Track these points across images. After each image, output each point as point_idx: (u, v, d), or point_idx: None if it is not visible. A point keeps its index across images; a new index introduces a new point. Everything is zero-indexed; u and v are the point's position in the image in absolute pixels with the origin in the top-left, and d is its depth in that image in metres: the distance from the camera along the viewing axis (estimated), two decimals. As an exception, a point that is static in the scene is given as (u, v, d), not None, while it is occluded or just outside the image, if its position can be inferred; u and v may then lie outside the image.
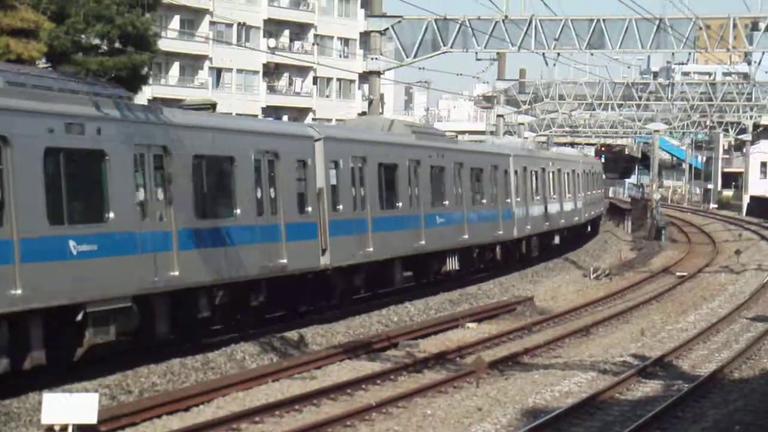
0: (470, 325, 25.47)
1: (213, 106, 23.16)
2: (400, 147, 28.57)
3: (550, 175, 42.56)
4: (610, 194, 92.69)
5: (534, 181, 39.89)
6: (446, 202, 30.95)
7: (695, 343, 23.15)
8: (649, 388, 18.59)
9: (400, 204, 28.03)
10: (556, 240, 44.27)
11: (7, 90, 16.14)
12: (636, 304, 29.61)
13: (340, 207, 24.85)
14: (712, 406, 17.20)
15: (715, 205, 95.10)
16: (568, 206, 45.63)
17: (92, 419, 14.10)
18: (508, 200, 36.41)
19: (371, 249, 25.97)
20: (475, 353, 21.31)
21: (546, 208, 41.33)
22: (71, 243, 16.71)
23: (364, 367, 19.86)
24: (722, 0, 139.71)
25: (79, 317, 17.02)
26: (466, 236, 32.04)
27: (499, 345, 23.01)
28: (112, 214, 17.65)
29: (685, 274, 37.44)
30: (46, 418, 14.12)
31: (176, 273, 18.82)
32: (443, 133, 36.11)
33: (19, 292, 15.64)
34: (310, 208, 23.49)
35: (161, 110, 19.58)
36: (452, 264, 31.42)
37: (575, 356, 21.56)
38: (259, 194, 21.66)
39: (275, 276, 22.14)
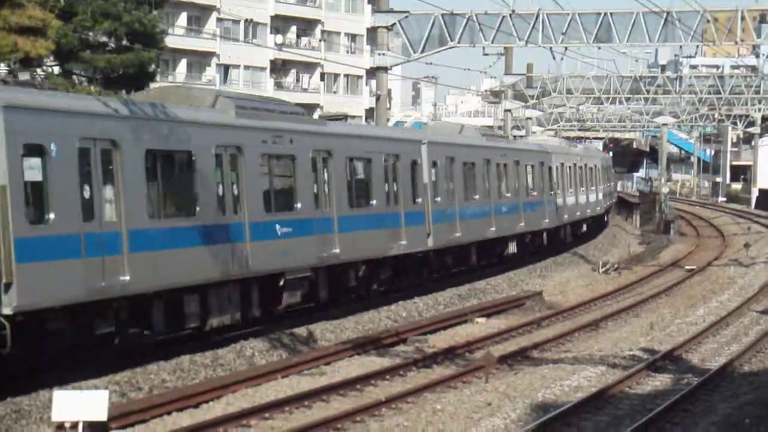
0: (479, 320, 25.47)
1: (345, 117, 29.67)
2: (475, 148, 33.44)
3: (579, 169, 46.78)
4: (619, 188, 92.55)
5: (569, 175, 44.40)
6: (508, 194, 35.44)
7: (705, 337, 23.12)
8: (659, 382, 18.57)
9: (477, 196, 32.74)
10: (584, 228, 48.78)
11: (239, 113, 21.41)
12: (645, 298, 29.57)
13: (438, 199, 29.61)
14: (722, 400, 17.18)
15: (724, 199, 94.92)
16: (592, 197, 49.94)
17: (102, 416, 14.13)
18: (552, 192, 40.82)
19: (459, 234, 30.85)
20: (484, 348, 21.31)
21: (577, 199, 45.87)
22: (277, 226, 22.02)
23: (373, 362, 19.86)
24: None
25: (281, 282, 22.09)
26: (522, 224, 36.67)
27: (508, 340, 23.00)
28: (299, 204, 23.07)
29: (694, 267, 37.39)
30: (57, 415, 14.15)
31: (337, 251, 24.09)
32: (505, 135, 41.22)
33: (250, 262, 20.65)
34: (420, 200, 28.43)
35: (326, 123, 25.91)
36: (512, 248, 36.10)
37: (584, 351, 21.55)
38: (387, 188, 26.88)
39: (398, 254, 27.25)
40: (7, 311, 15.49)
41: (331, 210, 24.02)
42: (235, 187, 20.74)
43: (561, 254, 40.40)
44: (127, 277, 17.50)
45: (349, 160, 25.09)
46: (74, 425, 14.13)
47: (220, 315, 20.29)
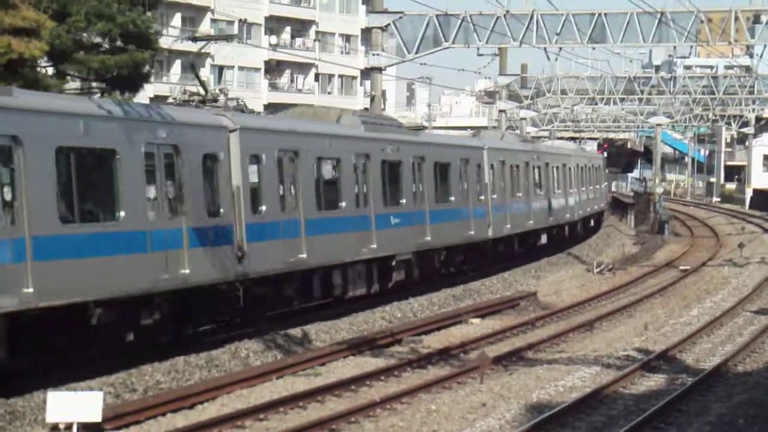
0: (474, 320, 25.48)
1: (423, 128, 32.98)
2: (517, 152, 37.98)
3: (589, 170, 51.60)
4: (613, 188, 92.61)
5: (582, 175, 49.72)
6: (541, 192, 40.36)
7: (699, 337, 23.15)
8: (653, 382, 18.59)
9: (520, 194, 37.19)
10: (591, 222, 53.56)
11: (366, 127, 26.51)
12: (639, 298, 29.60)
13: (495, 196, 34.45)
14: (717, 400, 17.21)
15: (718, 199, 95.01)
16: (597, 193, 54.71)
17: (97, 417, 14.13)
18: (572, 190, 46.05)
19: (509, 226, 35.69)
20: (478, 349, 21.32)
21: (588, 195, 50.85)
22: (391, 218, 26.78)
23: (368, 363, 19.87)
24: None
25: (393, 263, 26.84)
26: (552, 218, 41.67)
27: (503, 340, 23.01)
28: (404, 200, 27.81)
29: (688, 267, 37.42)
30: (51, 416, 14.15)
31: (429, 238, 28.91)
32: (533, 139, 46.23)
33: (374, 246, 25.75)
34: (483, 197, 33.16)
35: (419, 133, 30.29)
36: (544, 239, 40.70)
37: (579, 351, 21.57)
38: (461, 187, 31.42)
39: (467, 242, 32.06)
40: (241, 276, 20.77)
41: (424, 205, 28.96)
42: (364, 186, 25.81)
43: (555, 254, 40.45)
44: (304, 255, 22.77)
45: (435, 164, 29.81)
46: (68, 426, 14.12)
47: (355, 288, 25.42)
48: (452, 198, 30.99)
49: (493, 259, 34.60)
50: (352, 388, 17.61)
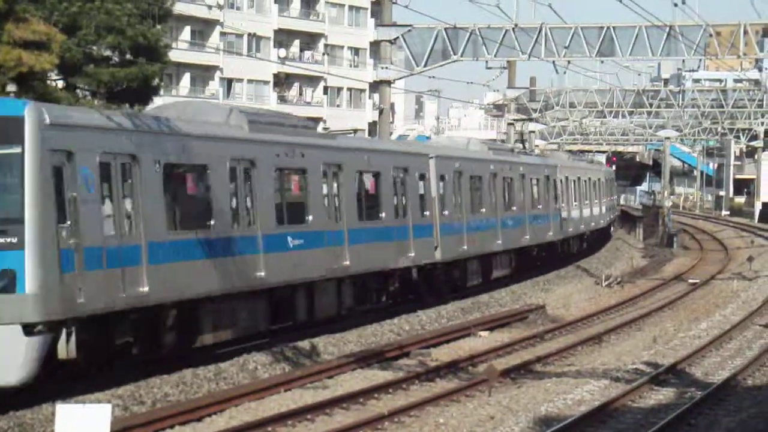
0: (482, 333, 25.45)
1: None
2: (582, 169, 47.93)
3: (608, 183, 56.61)
4: (622, 201, 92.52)
5: (606, 188, 55.03)
6: (587, 202, 47.58)
7: (708, 351, 23.09)
8: (662, 395, 18.55)
9: (576, 203, 44.89)
10: (612, 230, 59.22)
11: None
12: (648, 311, 29.55)
13: (563, 204, 41.99)
14: (726, 414, 17.16)
15: (727, 212, 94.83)
16: (610, 205, 58.56)
17: (105, 430, 14.13)
18: (596, 200, 50.80)
19: (571, 230, 43.88)
20: (487, 362, 21.29)
21: (608, 206, 56.05)
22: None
23: (376, 376, 19.86)
24: (733, 7, 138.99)
25: (493, 260, 33.52)
26: (593, 224, 49.39)
27: (511, 353, 22.98)
28: (483, 209, 32.85)
29: (697, 281, 37.35)
30: (60, 429, 14.14)
31: (500, 242, 33.79)
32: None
33: (500, 242, 33.75)
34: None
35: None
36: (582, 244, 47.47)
37: (587, 364, 21.54)
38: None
39: (541, 243, 39.02)
40: (438, 259, 28.83)
41: (523, 211, 36.63)
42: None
43: (564, 267, 40.41)
44: (413, 254, 27.29)
45: (503, 179, 34.92)
46: (77, 439, 14.12)
47: (473, 280, 31.99)
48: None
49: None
50: (360, 401, 17.60)
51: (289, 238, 21.95)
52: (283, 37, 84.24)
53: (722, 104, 67.82)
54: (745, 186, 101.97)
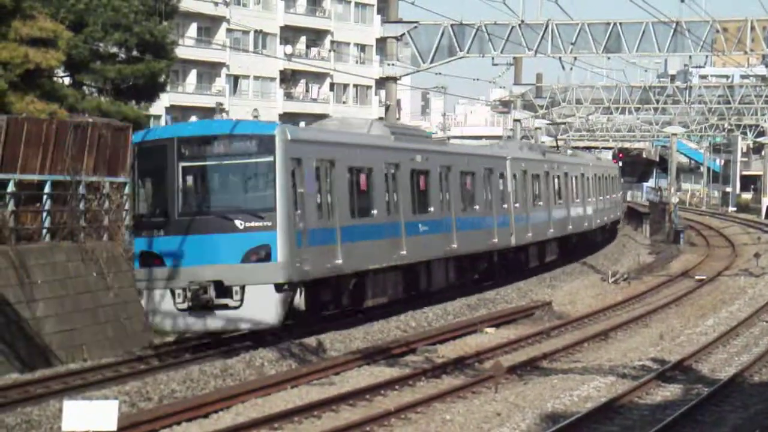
0: (488, 330, 25.45)
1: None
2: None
3: (616, 178, 58.43)
4: (628, 198, 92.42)
5: (617, 184, 57.66)
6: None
7: (715, 347, 23.07)
8: (669, 392, 18.54)
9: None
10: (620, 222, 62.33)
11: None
12: (655, 308, 29.52)
13: (592, 199, 46.70)
14: (732, 410, 17.15)
15: (734, 209, 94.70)
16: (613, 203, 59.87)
17: (112, 426, 14.16)
18: (614, 195, 54.42)
19: (599, 221, 48.56)
20: (493, 358, 21.28)
21: (622, 199, 60.74)
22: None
23: (382, 372, 19.86)
24: (739, 2, 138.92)
25: (546, 246, 38.94)
26: (606, 218, 51.53)
27: (518, 350, 22.98)
28: (541, 203, 37.96)
29: (704, 277, 37.31)
30: (67, 425, 14.18)
31: (552, 230, 38.75)
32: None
33: (552, 231, 38.79)
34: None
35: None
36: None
37: (594, 361, 21.52)
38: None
39: (581, 231, 44.40)
40: (513, 244, 34.19)
41: (568, 203, 41.31)
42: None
43: (570, 264, 40.40)
44: (496, 240, 32.94)
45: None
46: (84, 435, 14.15)
47: (551, 255, 38.20)
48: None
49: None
50: (367, 398, 17.61)
51: (420, 225, 27.35)
52: (290, 34, 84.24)
53: (729, 100, 67.73)
54: (751, 182, 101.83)
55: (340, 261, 23.09)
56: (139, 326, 23.09)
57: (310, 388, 18.35)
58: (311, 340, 21.98)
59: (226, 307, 20.83)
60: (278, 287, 21.03)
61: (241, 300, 20.82)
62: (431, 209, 28.28)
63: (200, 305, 20.73)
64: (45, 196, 22.95)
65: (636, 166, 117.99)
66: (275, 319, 21.14)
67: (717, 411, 17.02)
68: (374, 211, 25.28)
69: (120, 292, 23.16)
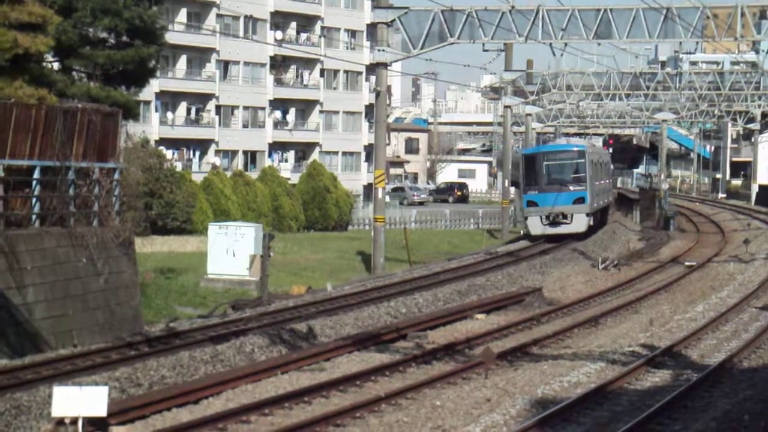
0: (479, 316, 25.49)
1: None
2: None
3: (607, 165, 61.69)
4: (619, 184, 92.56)
5: (608, 171, 62.85)
6: (601, 181, 53.34)
7: (704, 333, 23.14)
8: (658, 378, 18.59)
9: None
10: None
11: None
12: (644, 294, 29.59)
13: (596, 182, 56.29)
14: (722, 396, 17.20)
15: (724, 195, 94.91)
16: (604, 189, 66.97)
17: (102, 412, 14.16)
18: (605, 181, 56.79)
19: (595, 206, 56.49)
20: (483, 344, 21.33)
21: (612, 186, 63.20)
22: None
23: (373, 358, 19.88)
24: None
25: (609, 210, 57.15)
26: (610, 198, 57.24)
27: (508, 336, 23.02)
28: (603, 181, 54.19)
29: (693, 263, 37.40)
30: (57, 410, 14.17)
31: (609, 199, 56.02)
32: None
33: (609, 199, 56.63)
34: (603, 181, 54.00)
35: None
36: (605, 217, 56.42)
37: (584, 347, 21.57)
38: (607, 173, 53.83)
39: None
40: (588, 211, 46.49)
41: (608, 181, 56.66)
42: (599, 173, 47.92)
43: (560, 250, 40.44)
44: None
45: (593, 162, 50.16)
46: (74, 421, 14.15)
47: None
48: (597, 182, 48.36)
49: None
50: (357, 384, 17.63)
51: (598, 185, 47.89)
52: (280, 20, 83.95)
53: (719, 87, 67.74)
54: (741, 168, 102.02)
55: (594, 202, 45.18)
56: (129, 312, 23.08)
57: (300, 374, 18.36)
58: (301, 326, 21.99)
59: (565, 223, 43.41)
60: (587, 214, 43.81)
61: (571, 220, 43.31)
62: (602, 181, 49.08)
63: (553, 223, 43.39)
64: (34, 182, 22.88)
65: (626, 153, 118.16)
66: (584, 229, 43.83)
67: (706, 396, 17.07)
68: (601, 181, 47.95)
69: (110, 278, 23.14)
